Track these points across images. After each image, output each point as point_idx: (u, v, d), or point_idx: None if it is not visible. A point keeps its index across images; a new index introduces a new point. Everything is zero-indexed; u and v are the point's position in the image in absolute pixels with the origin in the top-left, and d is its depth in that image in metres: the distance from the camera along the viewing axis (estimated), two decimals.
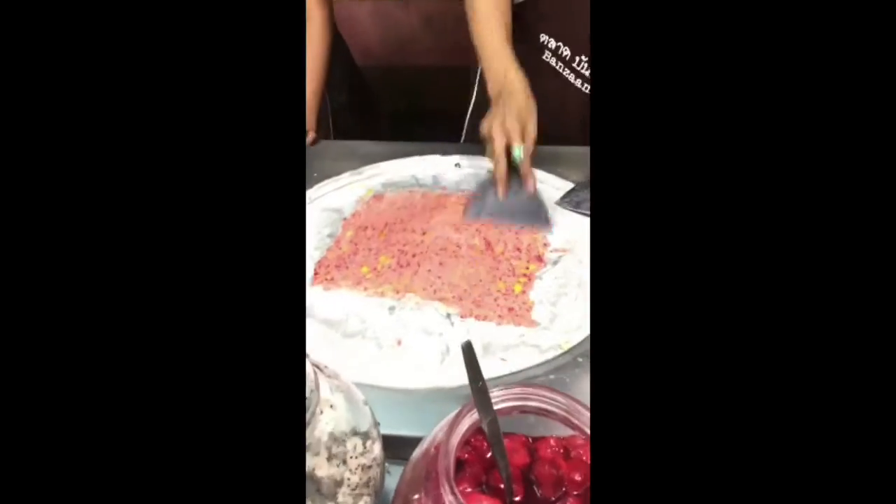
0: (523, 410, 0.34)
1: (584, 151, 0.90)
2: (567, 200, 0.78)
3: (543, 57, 0.92)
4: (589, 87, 0.91)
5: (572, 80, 0.91)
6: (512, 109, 0.72)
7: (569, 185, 0.81)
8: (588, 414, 0.33)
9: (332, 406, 0.37)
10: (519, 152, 0.72)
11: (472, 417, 0.33)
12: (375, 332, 0.59)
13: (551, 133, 0.98)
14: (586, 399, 0.48)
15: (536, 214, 0.73)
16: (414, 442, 0.47)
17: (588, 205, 0.76)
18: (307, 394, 0.33)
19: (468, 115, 1.09)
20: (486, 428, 0.33)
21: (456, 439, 0.32)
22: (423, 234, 0.72)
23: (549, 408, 0.34)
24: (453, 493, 0.28)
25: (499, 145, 0.72)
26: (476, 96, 1.07)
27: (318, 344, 0.57)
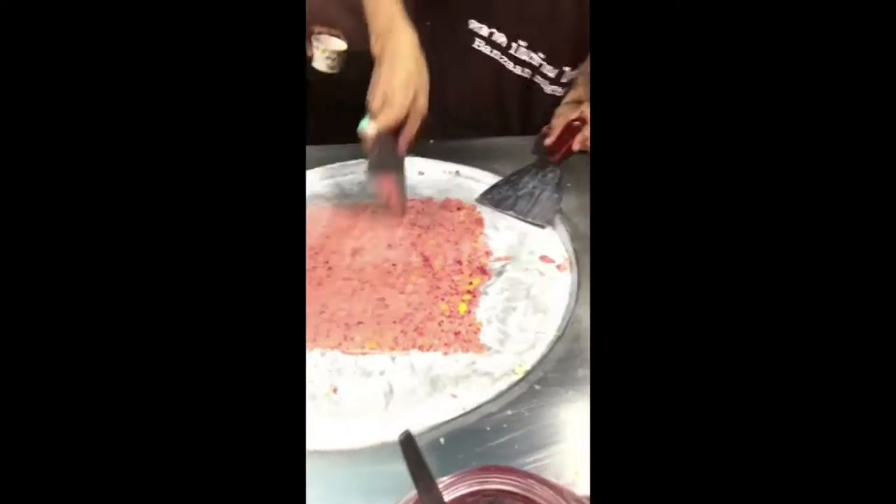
0: (482, 494, 0.29)
1: (522, 143, 0.85)
2: (488, 198, 0.73)
3: (474, 45, 0.86)
4: (531, 73, 0.86)
5: (511, 68, 0.86)
6: (399, 72, 0.63)
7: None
8: (546, 490, 0.28)
9: None
10: (365, 123, 0.64)
11: None
12: (307, 379, 0.51)
13: (491, 124, 0.93)
14: (547, 435, 0.44)
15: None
16: None
17: (510, 202, 0.71)
18: None
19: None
20: None
21: None
22: (353, 255, 0.65)
23: (509, 489, 0.28)
24: None
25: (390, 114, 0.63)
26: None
27: None
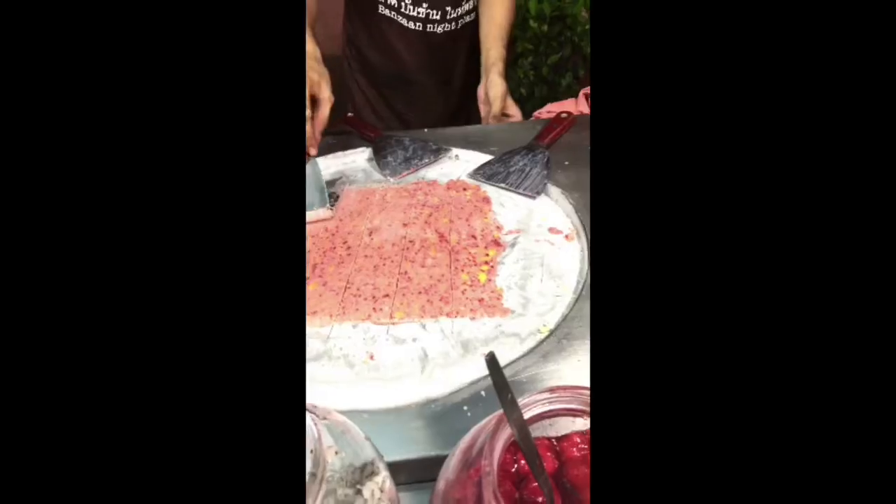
0: (552, 415, 0.32)
1: (514, 129, 0.90)
2: (480, 172, 0.78)
3: (379, 11, 1.03)
4: (422, 26, 1.03)
5: (406, 24, 1.03)
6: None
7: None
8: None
9: (336, 452, 0.32)
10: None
11: (506, 432, 0.30)
12: (343, 349, 0.53)
13: (415, 75, 1.09)
14: (578, 378, 0.47)
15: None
16: (417, 464, 0.43)
17: (502, 176, 0.76)
18: (308, 452, 0.28)
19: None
20: (521, 443, 0.30)
21: (496, 459, 0.29)
22: (370, 234, 0.67)
23: (573, 406, 0.31)
24: None
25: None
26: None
27: None
